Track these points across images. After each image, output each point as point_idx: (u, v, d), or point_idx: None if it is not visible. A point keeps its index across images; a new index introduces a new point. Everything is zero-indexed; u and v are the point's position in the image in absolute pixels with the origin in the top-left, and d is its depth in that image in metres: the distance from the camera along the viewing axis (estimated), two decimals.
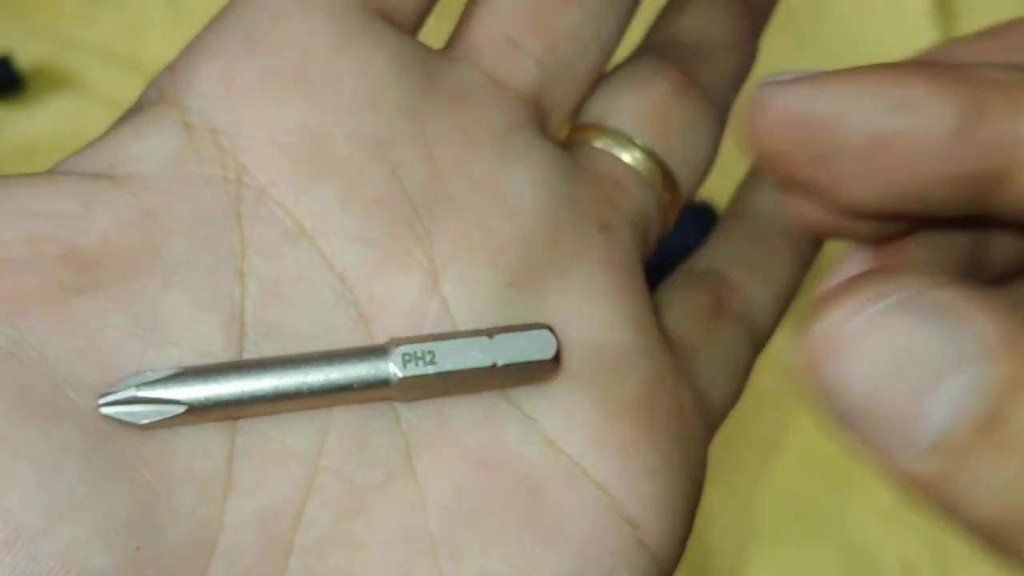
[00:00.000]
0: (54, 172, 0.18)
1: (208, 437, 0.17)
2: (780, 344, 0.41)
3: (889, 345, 0.14)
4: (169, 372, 0.17)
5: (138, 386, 0.17)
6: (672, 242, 0.24)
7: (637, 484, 0.19)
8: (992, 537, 0.13)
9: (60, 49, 0.45)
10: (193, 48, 0.20)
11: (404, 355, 0.18)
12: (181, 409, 0.17)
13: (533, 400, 0.19)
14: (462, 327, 0.19)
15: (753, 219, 0.24)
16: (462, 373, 0.18)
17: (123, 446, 0.16)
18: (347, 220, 0.19)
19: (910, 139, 0.15)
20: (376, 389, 0.18)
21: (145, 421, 0.17)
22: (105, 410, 0.16)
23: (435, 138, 0.20)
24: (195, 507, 0.17)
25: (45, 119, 0.44)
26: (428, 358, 0.18)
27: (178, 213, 0.18)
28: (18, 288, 0.17)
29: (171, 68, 0.20)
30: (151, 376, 0.17)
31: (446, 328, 0.19)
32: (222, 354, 0.17)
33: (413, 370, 0.18)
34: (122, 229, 0.17)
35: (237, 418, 0.17)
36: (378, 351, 0.18)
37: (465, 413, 0.19)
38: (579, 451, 0.19)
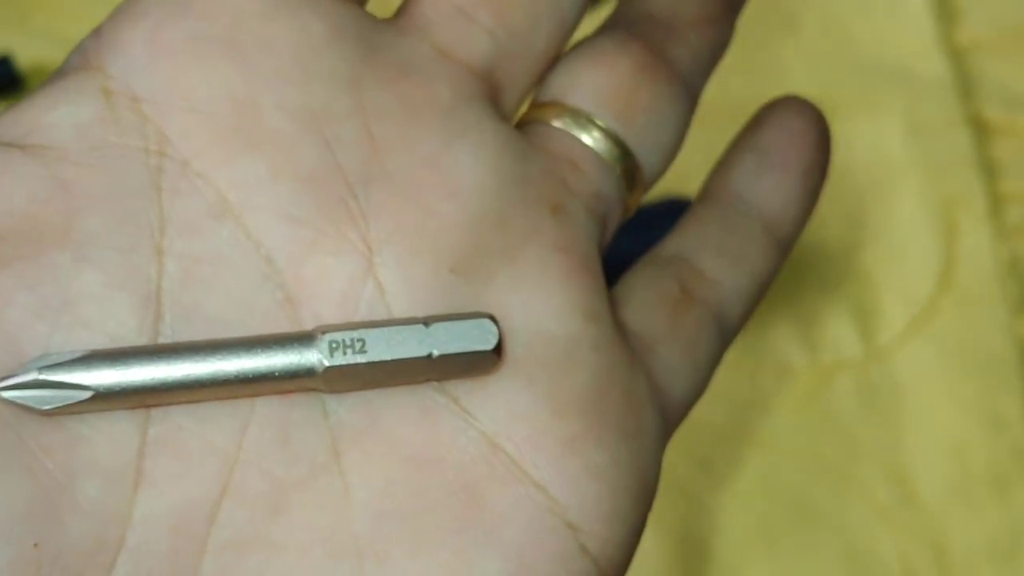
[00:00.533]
0: None
1: (118, 427, 0.16)
2: (780, 343, 0.41)
3: None
4: (75, 355, 0.15)
5: (41, 369, 0.15)
6: (648, 240, 0.23)
7: (580, 485, 0.18)
8: None
9: (60, 49, 0.44)
10: (120, 10, 0.18)
11: (331, 343, 0.16)
12: (87, 395, 0.15)
13: (472, 394, 0.18)
14: (398, 315, 0.17)
15: (728, 202, 0.23)
16: (394, 364, 0.17)
17: (23, 434, 0.15)
18: (276, 197, 0.17)
19: None
20: (301, 379, 0.16)
21: (48, 407, 0.15)
22: (5, 394, 0.15)
23: (375, 112, 0.18)
24: (101, 501, 0.15)
25: None
26: (358, 346, 0.16)
27: (93, 186, 0.17)
28: None
29: (97, 31, 0.18)
30: (56, 359, 0.15)
31: (381, 316, 0.17)
32: (135, 338, 0.16)
33: (341, 359, 0.16)
34: (32, 202, 0.16)
35: (149, 406, 0.16)
36: (304, 338, 0.16)
37: (397, 407, 0.17)
38: (519, 449, 0.17)
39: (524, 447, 0.17)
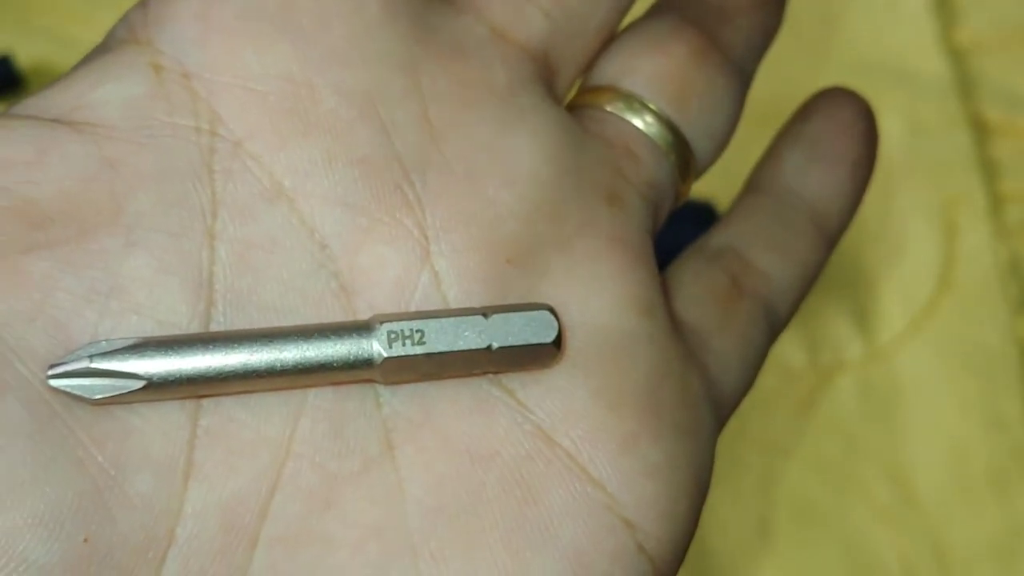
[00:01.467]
0: (7, 115, 0.16)
1: (168, 418, 0.15)
2: (780, 343, 0.41)
3: None
4: (127, 342, 0.15)
5: (92, 357, 0.15)
6: (671, 242, 0.22)
7: (637, 482, 0.17)
8: None
9: (60, 49, 0.44)
10: None
11: (390, 333, 0.16)
12: (139, 384, 0.15)
13: (528, 387, 0.17)
14: (453, 305, 0.17)
15: (777, 194, 0.22)
16: (453, 355, 0.16)
17: (73, 425, 0.15)
18: (331, 181, 0.17)
19: None
20: (357, 370, 0.16)
21: (98, 396, 0.15)
22: (54, 382, 0.15)
23: (431, 95, 0.18)
24: (152, 495, 0.15)
25: None
26: (416, 337, 0.16)
27: (143, 166, 0.16)
28: None
29: (143, 5, 0.17)
30: (107, 346, 0.15)
31: (436, 305, 0.17)
32: (187, 325, 0.16)
33: (399, 350, 0.16)
34: (80, 182, 0.16)
35: (201, 396, 0.16)
36: (361, 327, 0.16)
37: (452, 400, 0.17)
38: (576, 445, 0.17)
39: (582, 443, 0.17)
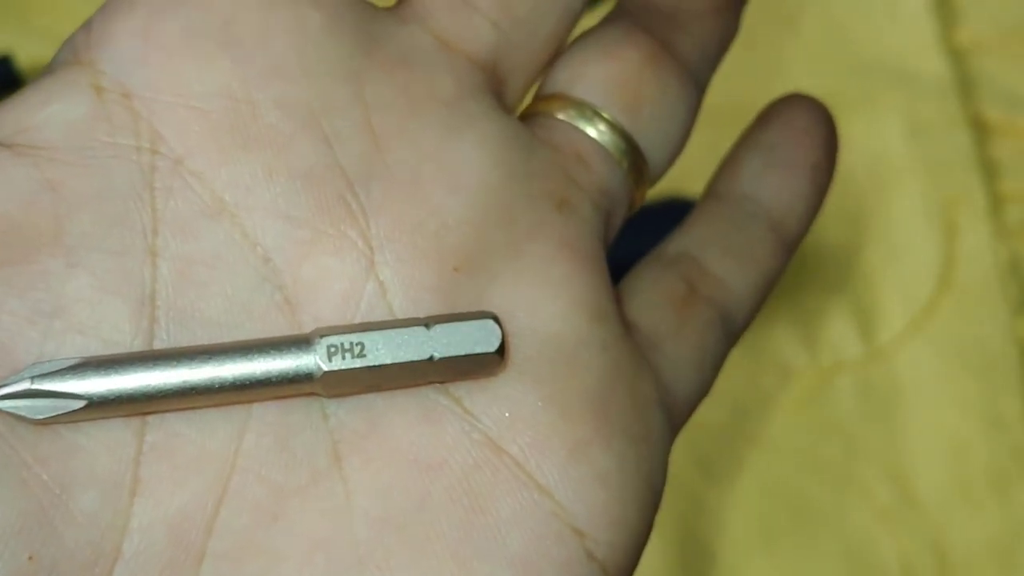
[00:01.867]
0: None
1: (114, 435, 0.15)
2: (780, 343, 0.41)
3: None
4: (68, 363, 0.15)
5: (33, 378, 0.15)
6: (649, 240, 0.22)
7: (587, 490, 0.17)
8: None
9: None
10: (110, 3, 0.17)
11: (330, 347, 0.16)
12: (81, 404, 0.15)
13: (475, 395, 0.17)
14: (400, 315, 0.17)
15: (734, 201, 0.22)
16: (395, 367, 0.16)
17: (16, 445, 0.15)
18: (273, 195, 0.17)
19: None
20: (299, 384, 0.16)
21: (42, 416, 0.15)
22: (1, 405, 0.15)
23: (375, 105, 0.18)
24: (97, 511, 0.15)
25: None
26: (357, 350, 0.16)
27: (84, 187, 0.16)
28: None
29: (87, 25, 0.17)
30: (48, 367, 0.15)
31: (383, 316, 0.17)
32: (130, 342, 0.16)
33: (339, 363, 0.16)
34: (21, 205, 0.16)
35: (144, 414, 0.16)
36: (301, 341, 0.16)
37: (399, 410, 0.17)
38: (524, 453, 0.17)
39: (529, 451, 0.17)
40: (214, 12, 0.17)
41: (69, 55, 0.17)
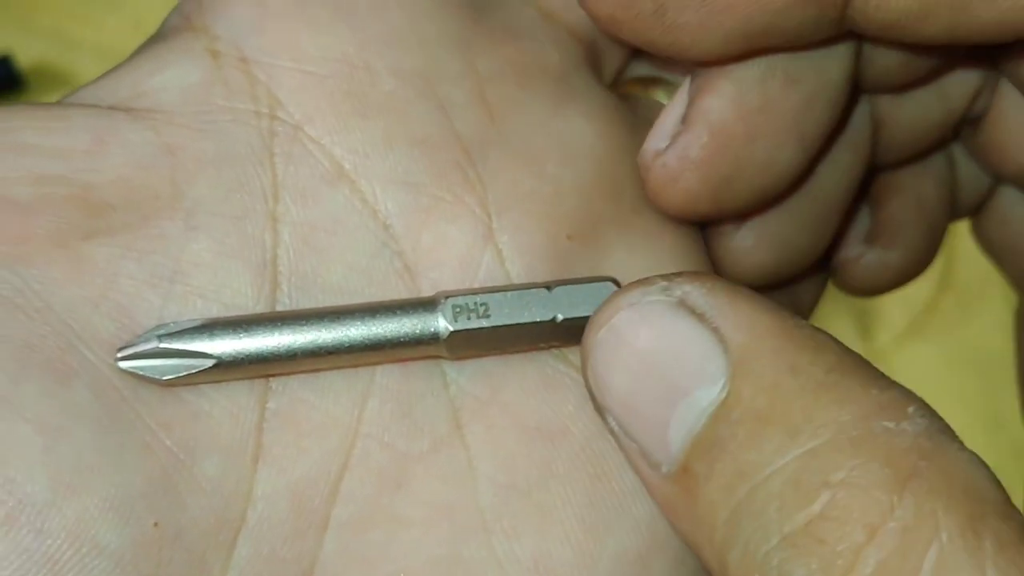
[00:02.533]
0: (64, 104, 0.16)
1: (236, 401, 0.15)
2: None
3: (643, 344, 0.14)
4: (195, 323, 0.15)
5: (160, 337, 0.15)
6: None
7: None
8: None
9: (60, 49, 0.44)
10: None
11: (455, 307, 0.16)
12: (208, 363, 0.15)
13: None
14: (517, 281, 0.17)
15: None
16: (518, 328, 0.16)
17: (141, 410, 0.15)
18: (392, 162, 0.17)
19: None
20: (424, 345, 0.16)
21: (168, 377, 0.15)
22: (124, 364, 0.15)
23: (487, 75, 0.18)
24: (221, 478, 0.15)
25: None
26: (481, 310, 0.16)
27: (203, 151, 0.16)
28: (22, 231, 0.15)
29: None
30: (175, 327, 0.15)
31: (500, 282, 0.17)
32: (252, 307, 0.16)
33: (465, 324, 0.16)
34: (140, 168, 0.16)
35: (269, 376, 0.16)
36: (426, 303, 0.16)
37: (519, 377, 0.17)
38: None
39: None
40: None
41: (180, 21, 0.17)
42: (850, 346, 0.42)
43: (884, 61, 0.19)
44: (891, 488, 0.13)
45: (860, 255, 0.22)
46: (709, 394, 0.14)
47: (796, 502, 0.13)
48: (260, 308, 0.16)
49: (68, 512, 0.14)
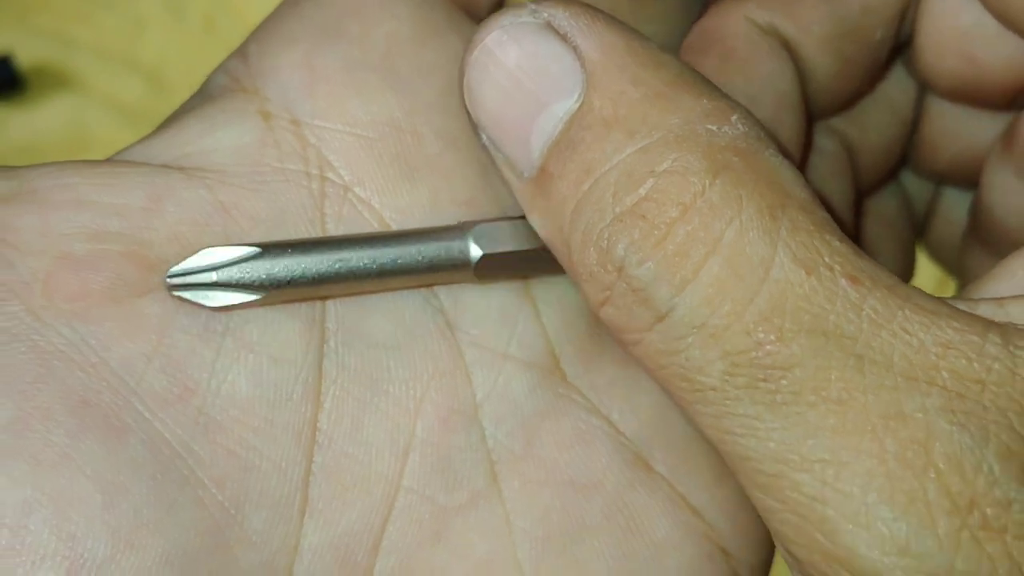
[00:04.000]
0: (117, 161, 0.17)
1: (284, 455, 0.16)
2: None
3: (511, 62, 0.16)
4: (246, 252, 0.16)
5: (218, 270, 0.15)
6: None
7: (732, 512, 0.18)
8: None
9: (60, 49, 0.44)
10: (266, 34, 0.18)
11: (479, 234, 0.17)
12: (257, 296, 0.16)
13: (625, 416, 0.18)
14: (552, 335, 0.18)
15: None
16: (539, 252, 0.17)
17: (193, 465, 0.15)
18: (437, 223, 0.17)
19: None
20: (456, 270, 0.17)
21: (218, 304, 0.15)
22: (176, 291, 0.15)
23: None
24: (269, 531, 0.15)
25: (45, 119, 0.44)
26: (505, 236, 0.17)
27: (256, 209, 0.16)
28: (79, 287, 0.15)
29: (242, 55, 0.18)
30: (227, 257, 0.16)
31: (537, 338, 0.18)
32: (301, 362, 0.16)
33: (493, 248, 0.17)
34: (195, 225, 0.16)
35: (318, 298, 0.16)
36: (455, 230, 0.17)
37: (553, 431, 0.17)
38: (673, 474, 0.17)
39: (678, 471, 0.18)
40: (371, 47, 0.18)
41: (229, 82, 0.18)
42: None
43: (820, 74, 0.20)
44: (704, 176, 0.14)
45: None
46: (566, 105, 0.15)
47: (627, 188, 0.15)
48: (309, 361, 0.16)
49: (127, 567, 0.14)
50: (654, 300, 0.14)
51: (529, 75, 0.16)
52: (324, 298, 0.16)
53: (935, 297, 0.14)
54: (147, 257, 0.16)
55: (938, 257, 0.24)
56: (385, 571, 0.16)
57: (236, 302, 0.15)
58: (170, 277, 0.15)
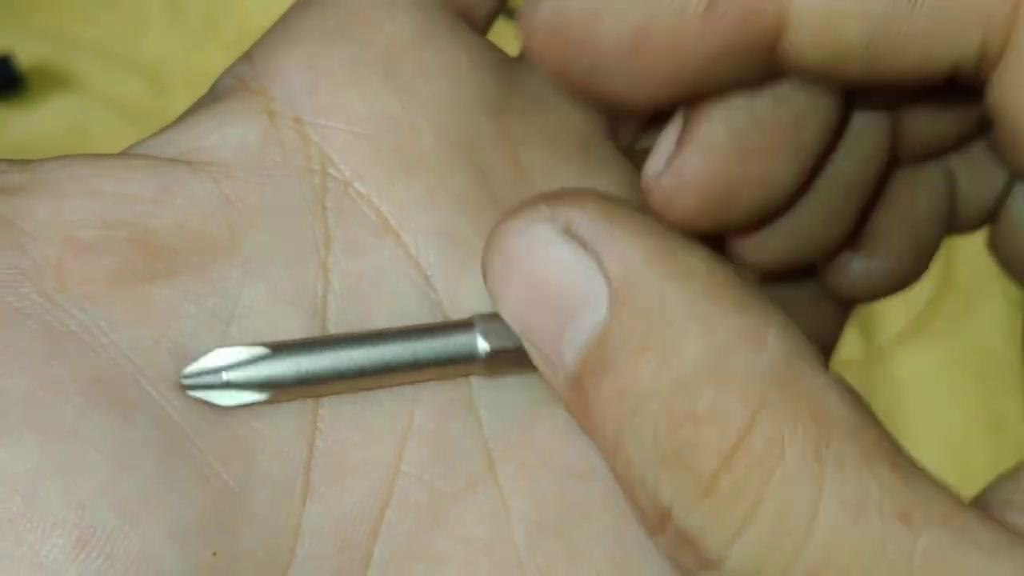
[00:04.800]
0: (127, 155, 0.17)
1: (287, 439, 0.16)
2: None
3: (533, 271, 0.16)
4: (255, 353, 0.16)
5: (226, 371, 0.16)
6: None
7: None
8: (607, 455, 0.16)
9: (60, 49, 0.44)
10: (273, 37, 0.19)
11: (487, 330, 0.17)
12: (267, 395, 0.16)
13: None
14: None
15: None
16: None
17: (200, 443, 0.16)
18: (434, 217, 0.18)
19: (666, 26, 0.15)
20: (464, 364, 0.17)
21: (230, 404, 0.16)
22: (189, 392, 0.16)
23: (519, 140, 0.19)
24: (272, 512, 0.16)
25: (45, 118, 0.44)
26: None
27: (259, 202, 0.17)
28: (88, 271, 0.16)
29: (248, 57, 0.19)
30: (237, 358, 0.16)
31: None
32: None
33: (499, 344, 0.17)
34: (200, 215, 0.17)
35: (322, 395, 0.17)
36: (464, 325, 0.17)
37: (550, 421, 0.18)
38: None
39: None
40: (373, 48, 0.18)
41: (235, 83, 0.18)
42: (850, 346, 0.42)
43: None
44: (743, 417, 0.14)
45: (845, 261, 0.23)
46: (594, 317, 0.15)
47: (667, 429, 0.15)
48: None
49: (134, 539, 0.15)
50: (703, 551, 0.15)
51: (553, 284, 0.16)
52: (332, 394, 0.17)
53: (992, 520, 0.14)
54: (153, 244, 0.16)
55: (1000, 257, 0.23)
56: (384, 555, 0.16)
57: (246, 402, 0.16)
58: (184, 377, 0.16)
